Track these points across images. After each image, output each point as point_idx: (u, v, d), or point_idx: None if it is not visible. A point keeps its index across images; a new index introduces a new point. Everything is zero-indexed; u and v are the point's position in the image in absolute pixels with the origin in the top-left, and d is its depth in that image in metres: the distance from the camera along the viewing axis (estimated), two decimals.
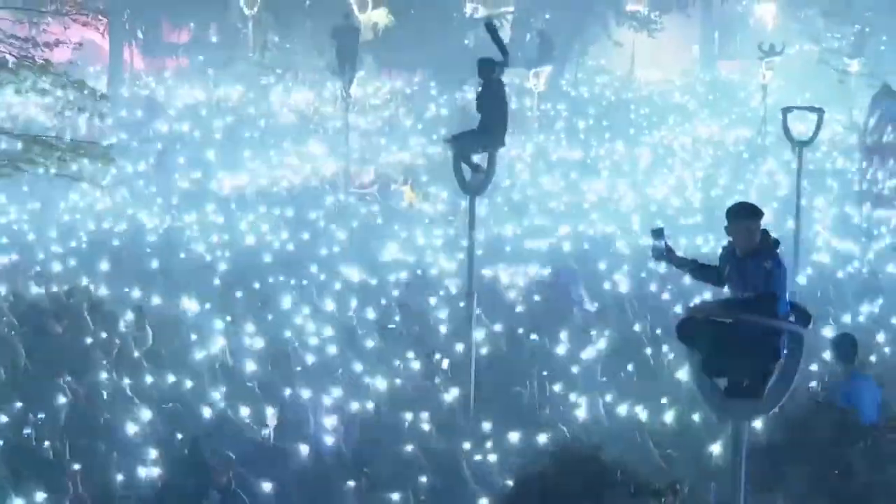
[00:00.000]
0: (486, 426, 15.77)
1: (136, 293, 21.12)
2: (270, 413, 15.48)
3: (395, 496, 13.70)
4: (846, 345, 13.00)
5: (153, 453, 14.68)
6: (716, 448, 13.77)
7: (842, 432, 10.18)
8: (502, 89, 17.25)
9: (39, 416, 15.42)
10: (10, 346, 17.56)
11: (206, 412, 16.04)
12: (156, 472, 14.19)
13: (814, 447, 10.21)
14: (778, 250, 9.28)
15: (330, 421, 15.56)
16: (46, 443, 14.68)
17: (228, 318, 19.79)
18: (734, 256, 9.33)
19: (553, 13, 47.79)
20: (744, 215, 9.39)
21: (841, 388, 12.36)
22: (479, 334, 18.16)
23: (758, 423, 10.45)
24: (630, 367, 18.07)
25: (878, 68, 44.60)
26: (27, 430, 14.95)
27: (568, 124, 42.84)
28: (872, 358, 17.79)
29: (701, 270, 9.70)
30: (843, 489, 9.81)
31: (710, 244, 23.68)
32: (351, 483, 13.94)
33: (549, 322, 20.19)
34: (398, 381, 17.42)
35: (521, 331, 19.40)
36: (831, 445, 10.14)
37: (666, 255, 9.57)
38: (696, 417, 15.26)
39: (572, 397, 16.81)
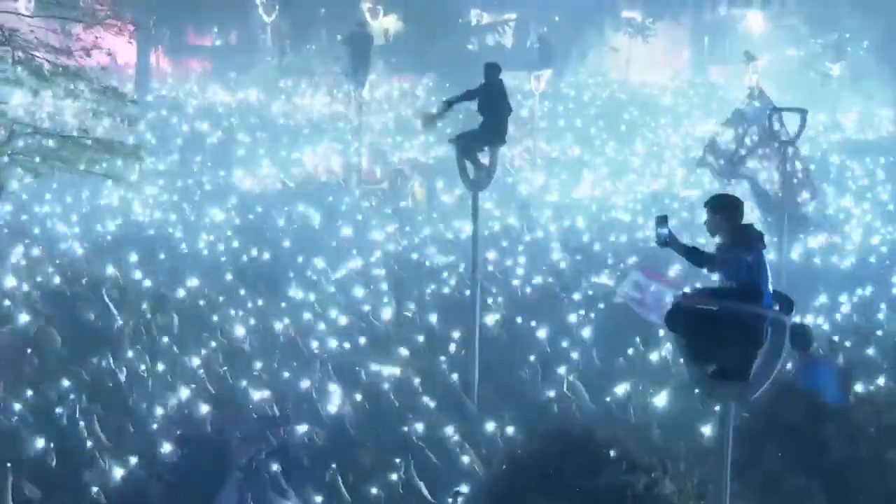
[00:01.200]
0: (489, 406, 15.83)
1: (159, 282, 21.15)
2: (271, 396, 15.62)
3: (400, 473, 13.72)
4: (801, 334, 12.70)
5: (178, 432, 14.75)
6: (704, 429, 13.81)
7: (812, 413, 10.20)
8: (504, 92, 17.27)
9: (70, 395, 15.49)
10: (45, 332, 17.65)
11: (226, 394, 16.12)
12: (181, 450, 14.22)
13: (788, 428, 10.24)
14: (761, 244, 9.26)
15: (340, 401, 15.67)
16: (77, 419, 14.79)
17: (254, 304, 19.87)
18: (723, 245, 9.35)
19: (553, 18, 47.84)
20: (710, 205, 9.40)
21: (801, 374, 12.24)
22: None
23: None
24: (628, 352, 18.18)
25: (858, 72, 44.72)
26: (59, 409, 15.01)
27: (567, 124, 42.88)
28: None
29: (700, 257, 9.70)
30: (817, 465, 9.85)
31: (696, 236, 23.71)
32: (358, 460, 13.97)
33: (552, 309, 20.32)
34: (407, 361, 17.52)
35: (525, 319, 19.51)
36: (804, 426, 10.18)
37: (669, 241, 9.57)
38: (686, 400, 15.30)
39: (570, 378, 16.86)
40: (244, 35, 46.31)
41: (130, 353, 17.15)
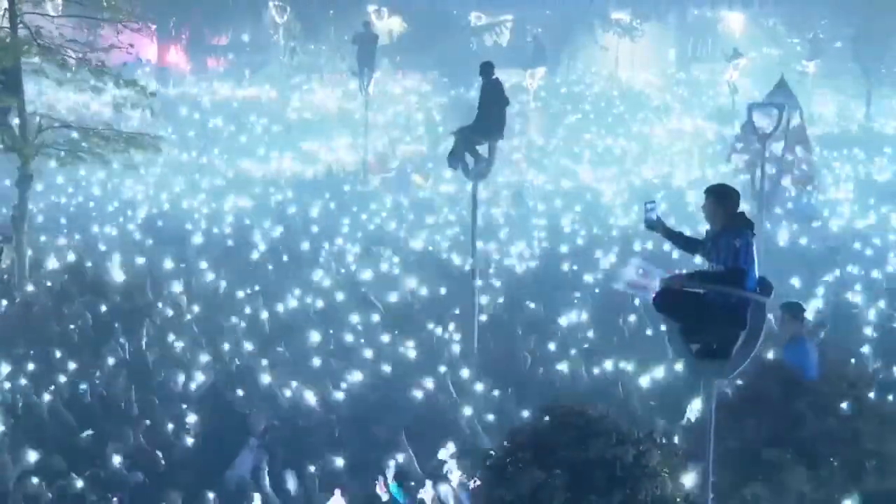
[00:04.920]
0: (487, 382, 15.75)
1: (182, 267, 21.03)
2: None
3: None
4: (796, 309, 12.70)
5: (198, 407, 14.66)
6: (690, 403, 13.73)
7: (789, 388, 10.15)
8: (501, 88, 17.19)
9: (97, 373, 15.42)
10: (76, 313, 17.56)
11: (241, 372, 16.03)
12: (202, 422, 14.16)
13: (767, 402, 10.19)
14: (749, 230, 9.13)
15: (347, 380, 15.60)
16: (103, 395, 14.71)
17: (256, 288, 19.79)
18: (713, 232, 9.24)
19: (548, 19, 47.77)
20: (708, 194, 9.29)
21: (789, 349, 12.13)
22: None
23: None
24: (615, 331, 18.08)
25: (831, 70, 44.68)
26: (83, 386, 14.92)
27: (559, 118, 42.79)
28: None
29: (687, 242, 9.60)
30: (793, 436, 9.80)
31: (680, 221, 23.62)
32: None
33: (545, 291, 20.24)
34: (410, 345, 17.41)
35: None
36: (781, 400, 10.12)
37: (657, 224, 9.48)
38: (672, 377, 15.23)
39: (564, 358, 16.78)
40: (258, 35, 46.16)
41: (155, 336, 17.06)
